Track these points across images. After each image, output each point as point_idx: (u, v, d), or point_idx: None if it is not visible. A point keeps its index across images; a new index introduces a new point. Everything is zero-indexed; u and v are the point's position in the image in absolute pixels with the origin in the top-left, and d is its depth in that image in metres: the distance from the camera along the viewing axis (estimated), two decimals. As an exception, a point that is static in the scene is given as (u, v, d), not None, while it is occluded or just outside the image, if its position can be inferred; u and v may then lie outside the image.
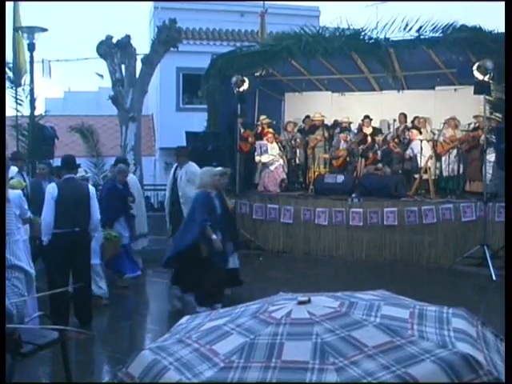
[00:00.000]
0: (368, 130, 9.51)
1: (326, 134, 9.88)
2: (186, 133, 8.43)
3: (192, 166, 6.52)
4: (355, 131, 9.87)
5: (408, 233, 7.57)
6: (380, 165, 8.78)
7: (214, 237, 4.87)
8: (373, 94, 10.04)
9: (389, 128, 9.76)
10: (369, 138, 9.27)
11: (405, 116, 9.51)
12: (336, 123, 10.17)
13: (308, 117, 10.21)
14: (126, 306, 5.79)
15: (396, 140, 9.01)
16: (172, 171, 6.72)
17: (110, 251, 5.53)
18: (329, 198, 8.10)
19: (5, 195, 1.31)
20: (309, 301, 1.41)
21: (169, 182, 6.75)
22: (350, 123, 9.85)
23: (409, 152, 8.54)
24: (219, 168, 5.41)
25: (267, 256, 8.23)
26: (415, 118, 9.31)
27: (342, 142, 9.33)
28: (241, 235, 8.33)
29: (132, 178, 6.66)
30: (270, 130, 9.52)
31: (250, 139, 9.40)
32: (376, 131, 9.47)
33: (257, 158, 9.29)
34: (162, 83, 14.08)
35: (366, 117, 9.64)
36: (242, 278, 5.71)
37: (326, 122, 10.12)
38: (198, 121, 10.33)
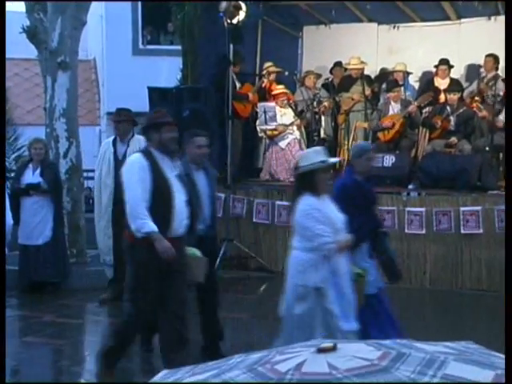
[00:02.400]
0: (443, 84, 9.50)
1: (368, 92, 9.91)
2: (149, 89, 8.47)
3: (142, 140, 6.36)
4: (413, 86, 9.91)
5: (500, 246, 7.37)
6: (454, 138, 8.73)
7: None
8: (445, 26, 10.15)
9: (470, 80, 9.78)
10: (442, 97, 9.26)
11: (495, 59, 9.40)
12: (384, 74, 10.25)
13: (339, 64, 10.26)
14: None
15: (479, 98, 8.93)
16: (107, 149, 6.69)
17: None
18: None
19: (4, 195, 1.76)
20: (334, 348, 1.50)
21: (102, 167, 6.68)
22: (406, 73, 9.88)
23: (502, 118, 8.42)
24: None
25: (275, 281, 8.23)
26: None
27: (393, 103, 9.29)
28: (232, 248, 8.20)
29: None
30: (282, 86, 9.70)
31: (249, 99, 9.45)
32: (455, 86, 9.45)
33: (259, 129, 9.44)
34: (108, 10, 14.22)
35: (443, 62, 9.62)
36: (235, 316, 5.55)
37: (367, 73, 10.18)
38: (167, 70, 10.40)
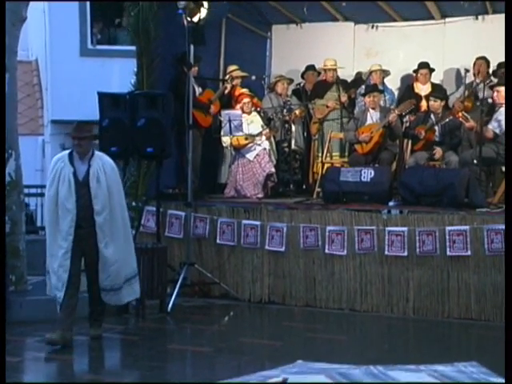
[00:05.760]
0: (424, 89, 9.63)
1: (344, 98, 10.06)
2: (100, 94, 8.43)
3: (104, 156, 6.57)
4: (392, 90, 10.05)
5: (490, 270, 7.55)
6: (439, 149, 8.83)
7: None
8: (429, 26, 10.30)
9: (456, 85, 9.99)
10: (423, 104, 9.39)
11: (487, 62, 9.57)
12: (360, 78, 10.39)
13: (312, 67, 10.38)
14: None
15: (467, 104, 9.01)
16: (63, 167, 6.46)
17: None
18: (349, 209, 8.18)
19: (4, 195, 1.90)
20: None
21: (59, 188, 6.45)
22: (384, 76, 10.06)
23: (493, 127, 8.54)
24: None
25: (242, 310, 8.36)
26: (501, 65, 9.32)
27: (372, 110, 9.34)
28: (193, 273, 8.27)
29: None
30: (246, 90, 9.81)
31: (211, 106, 9.49)
32: (436, 92, 9.55)
33: (223, 140, 9.50)
34: (52, 5, 14.21)
35: (423, 65, 9.72)
36: (196, 349, 5.82)
37: (343, 77, 10.35)
38: (119, 73, 10.32)
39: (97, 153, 6.56)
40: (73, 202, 6.36)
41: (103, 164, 6.46)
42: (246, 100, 9.50)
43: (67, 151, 6.63)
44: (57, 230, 6.42)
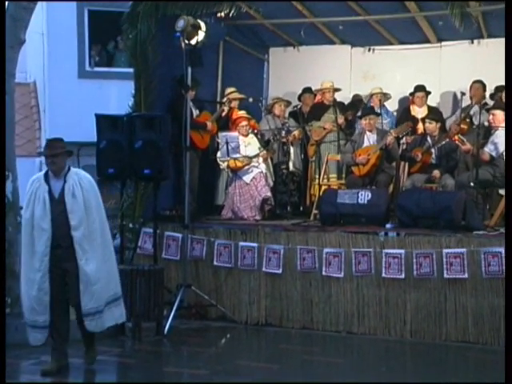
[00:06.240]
0: (421, 112, 9.66)
1: (341, 121, 10.06)
2: (97, 116, 8.42)
3: (80, 172, 6.44)
4: (392, 113, 10.10)
5: (488, 292, 7.54)
6: (437, 171, 8.83)
7: None
8: (425, 49, 10.33)
9: (452, 108, 10.06)
10: (420, 127, 9.41)
11: (483, 86, 9.64)
12: (358, 100, 10.40)
13: (309, 90, 10.40)
14: None
15: (463, 127, 9.03)
16: (38, 187, 6.30)
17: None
18: (346, 231, 8.19)
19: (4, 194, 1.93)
20: None
21: (35, 208, 6.30)
22: (385, 99, 10.11)
23: (489, 149, 8.56)
24: None
25: (239, 332, 8.33)
26: (499, 88, 9.39)
27: (369, 133, 9.36)
28: (190, 295, 8.26)
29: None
30: (244, 112, 9.81)
31: (208, 128, 9.51)
32: (432, 114, 9.56)
33: (221, 162, 9.46)
34: (51, 27, 14.19)
35: (420, 88, 9.76)
36: (192, 372, 5.87)
37: (340, 99, 10.38)
38: (117, 95, 10.28)
39: (73, 169, 6.43)
40: (48, 222, 6.17)
41: (79, 179, 6.28)
42: (244, 123, 9.50)
43: (43, 171, 6.49)
44: (33, 253, 6.20)
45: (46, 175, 6.32)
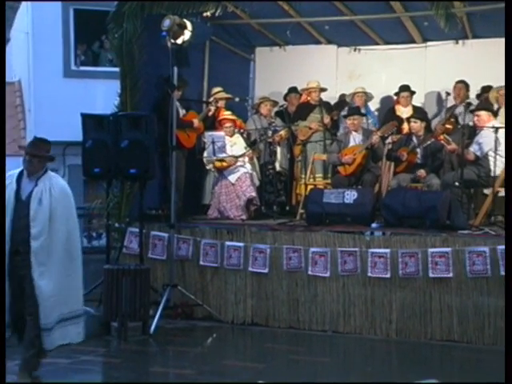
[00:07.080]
0: (406, 112, 9.68)
1: (327, 120, 10.07)
2: (83, 116, 8.43)
3: (56, 178, 5.94)
4: (374, 112, 10.19)
5: (472, 292, 7.57)
6: (422, 171, 8.84)
7: None
8: (410, 49, 10.35)
9: (437, 108, 10.07)
10: (405, 127, 9.41)
11: (466, 86, 9.68)
12: (344, 100, 10.41)
13: (295, 90, 10.41)
14: None
15: (449, 126, 9.04)
16: (9, 183, 5.86)
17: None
18: (332, 231, 8.18)
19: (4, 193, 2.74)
20: None
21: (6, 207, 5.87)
22: (367, 99, 10.14)
23: (474, 149, 8.61)
24: None
25: (225, 332, 8.29)
26: (485, 88, 9.46)
27: (354, 133, 9.41)
28: (176, 295, 8.25)
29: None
30: (229, 113, 9.82)
31: (195, 125, 9.52)
32: (417, 114, 9.57)
33: (206, 161, 9.49)
34: (36, 26, 14.12)
35: (404, 88, 9.81)
36: (178, 371, 5.79)
37: (326, 99, 10.35)
38: (103, 95, 10.24)
39: (50, 174, 5.93)
40: (8, 222, 5.72)
41: (51, 185, 5.79)
42: (228, 124, 9.52)
43: (20, 169, 5.98)
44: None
45: (21, 174, 5.89)
